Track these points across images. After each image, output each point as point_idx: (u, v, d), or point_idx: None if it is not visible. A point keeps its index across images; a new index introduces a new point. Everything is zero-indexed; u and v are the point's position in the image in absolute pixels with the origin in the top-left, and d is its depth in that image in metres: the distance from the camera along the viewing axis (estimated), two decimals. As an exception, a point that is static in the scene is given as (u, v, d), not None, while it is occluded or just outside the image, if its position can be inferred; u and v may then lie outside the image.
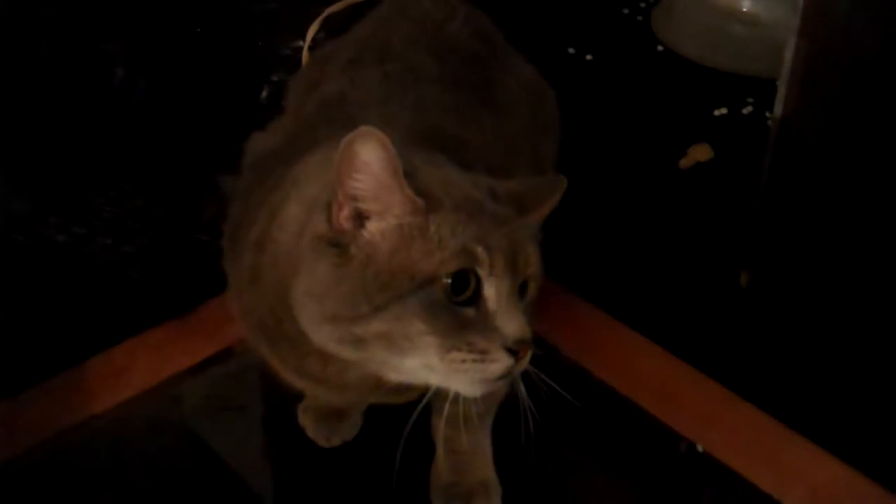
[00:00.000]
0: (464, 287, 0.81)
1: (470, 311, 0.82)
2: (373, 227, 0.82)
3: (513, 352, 0.82)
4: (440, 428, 1.07)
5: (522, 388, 0.88)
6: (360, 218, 0.82)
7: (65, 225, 1.43)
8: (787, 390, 1.26)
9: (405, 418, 0.90)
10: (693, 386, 1.26)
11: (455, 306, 0.81)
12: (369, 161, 0.79)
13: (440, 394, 0.88)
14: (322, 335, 0.85)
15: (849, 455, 1.16)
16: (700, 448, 1.18)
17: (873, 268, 1.31)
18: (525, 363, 0.84)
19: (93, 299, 1.34)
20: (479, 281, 0.82)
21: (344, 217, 0.82)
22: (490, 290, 0.82)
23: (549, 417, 1.03)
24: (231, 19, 1.75)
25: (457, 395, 0.85)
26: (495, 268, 0.82)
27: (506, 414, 1.08)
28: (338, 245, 0.82)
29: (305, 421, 1.20)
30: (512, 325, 0.82)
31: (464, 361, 0.81)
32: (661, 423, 1.21)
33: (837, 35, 1.26)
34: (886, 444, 1.18)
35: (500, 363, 0.82)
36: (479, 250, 0.81)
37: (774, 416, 1.21)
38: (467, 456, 1.11)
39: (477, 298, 0.82)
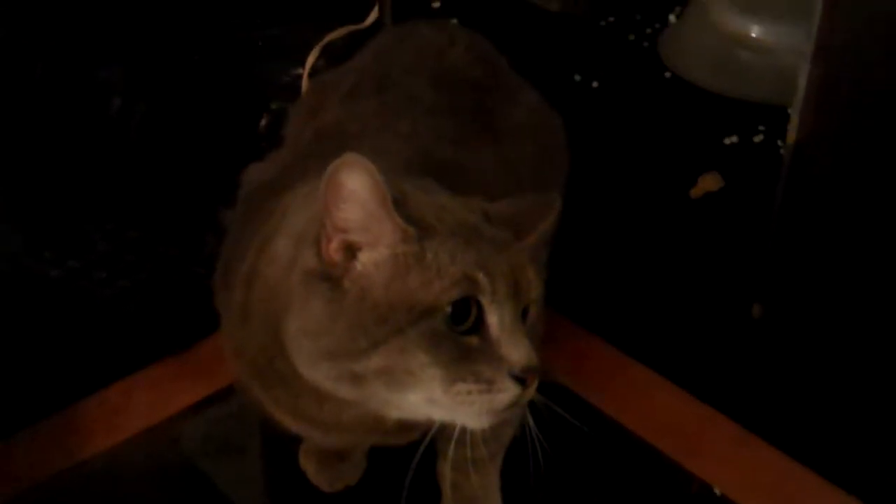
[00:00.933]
0: (465, 315, 0.78)
1: (473, 340, 0.79)
2: (365, 258, 0.79)
3: (520, 380, 0.79)
4: (446, 473, 1.05)
5: (531, 419, 0.86)
6: (350, 249, 0.79)
7: (58, 259, 1.39)
8: (805, 428, 1.22)
9: (410, 461, 0.86)
10: (708, 425, 1.23)
11: (457, 336, 0.78)
12: (355, 189, 0.77)
13: (445, 436, 0.85)
14: (318, 373, 0.82)
15: (873, 497, 1.13)
16: (717, 491, 1.15)
17: (893, 299, 1.27)
18: (532, 391, 0.81)
19: (87, 336, 1.31)
20: (480, 308, 0.79)
21: (334, 249, 0.79)
22: (493, 318, 0.79)
23: (559, 458, 1.01)
24: (230, 47, 1.73)
25: (462, 437, 0.82)
26: (497, 294, 0.79)
27: (513, 453, 1.05)
28: (330, 279, 0.79)
29: (307, 464, 1.17)
30: (518, 352, 0.79)
31: (469, 393, 0.78)
32: (675, 464, 1.18)
33: (852, 61, 1.24)
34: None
35: (508, 392, 0.78)
36: (481, 276, 0.78)
37: (793, 456, 1.18)
38: (476, 502, 1.08)
39: (480, 326, 0.79)
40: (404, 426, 0.87)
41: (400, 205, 0.78)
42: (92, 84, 1.60)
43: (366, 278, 0.79)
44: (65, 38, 1.58)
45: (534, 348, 0.80)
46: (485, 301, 0.79)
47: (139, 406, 1.22)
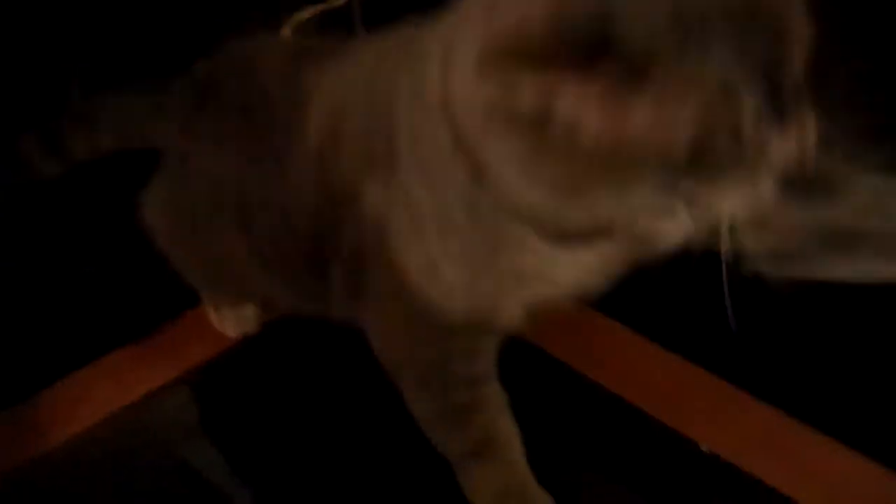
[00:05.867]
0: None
1: None
2: (573, 96, 0.66)
3: None
4: None
5: None
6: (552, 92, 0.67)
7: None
8: (795, 381, 1.17)
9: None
10: (695, 384, 1.18)
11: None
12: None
13: None
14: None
15: (868, 447, 1.08)
16: (705, 448, 1.10)
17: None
18: None
19: (39, 325, 1.25)
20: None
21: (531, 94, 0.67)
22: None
23: (539, 423, 0.98)
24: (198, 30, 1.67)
25: None
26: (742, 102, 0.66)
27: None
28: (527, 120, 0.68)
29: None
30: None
31: None
32: (663, 425, 1.13)
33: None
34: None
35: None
36: (719, 112, 0.66)
37: (783, 410, 1.13)
38: None
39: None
40: None
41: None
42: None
43: (576, 117, 0.66)
44: None
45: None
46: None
47: (99, 396, 1.18)
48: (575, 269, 0.87)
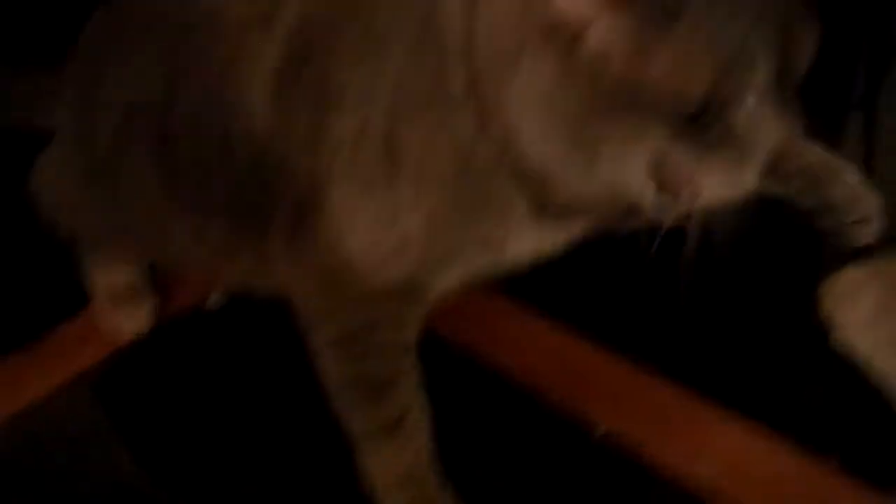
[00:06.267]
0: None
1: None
2: (611, 20, 0.71)
3: None
4: None
5: None
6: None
7: None
8: (686, 353, 1.17)
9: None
10: (583, 358, 1.17)
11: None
12: None
13: None
14: (548, 146, 0.76)
15: (762, 417, 1.08)
16: (600, 431, 1.09)
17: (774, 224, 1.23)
18: None
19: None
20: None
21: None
22: (740, 114, 0.72)
23: (440, 408, 0.96)
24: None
25: None
26: (753, 80, 0.71)
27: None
28: (566, 39, 0.72)
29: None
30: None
31: None
32: (559, 405, 1.12)
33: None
34: (798, 402, 1.11)
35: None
36: (733, 78, 0.70)
37: (680, 385, 1.12)
38: None
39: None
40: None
41: None
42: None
43: (608, 43, 0.71)
44: None
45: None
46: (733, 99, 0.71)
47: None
48: (535, 245, 0.87)
